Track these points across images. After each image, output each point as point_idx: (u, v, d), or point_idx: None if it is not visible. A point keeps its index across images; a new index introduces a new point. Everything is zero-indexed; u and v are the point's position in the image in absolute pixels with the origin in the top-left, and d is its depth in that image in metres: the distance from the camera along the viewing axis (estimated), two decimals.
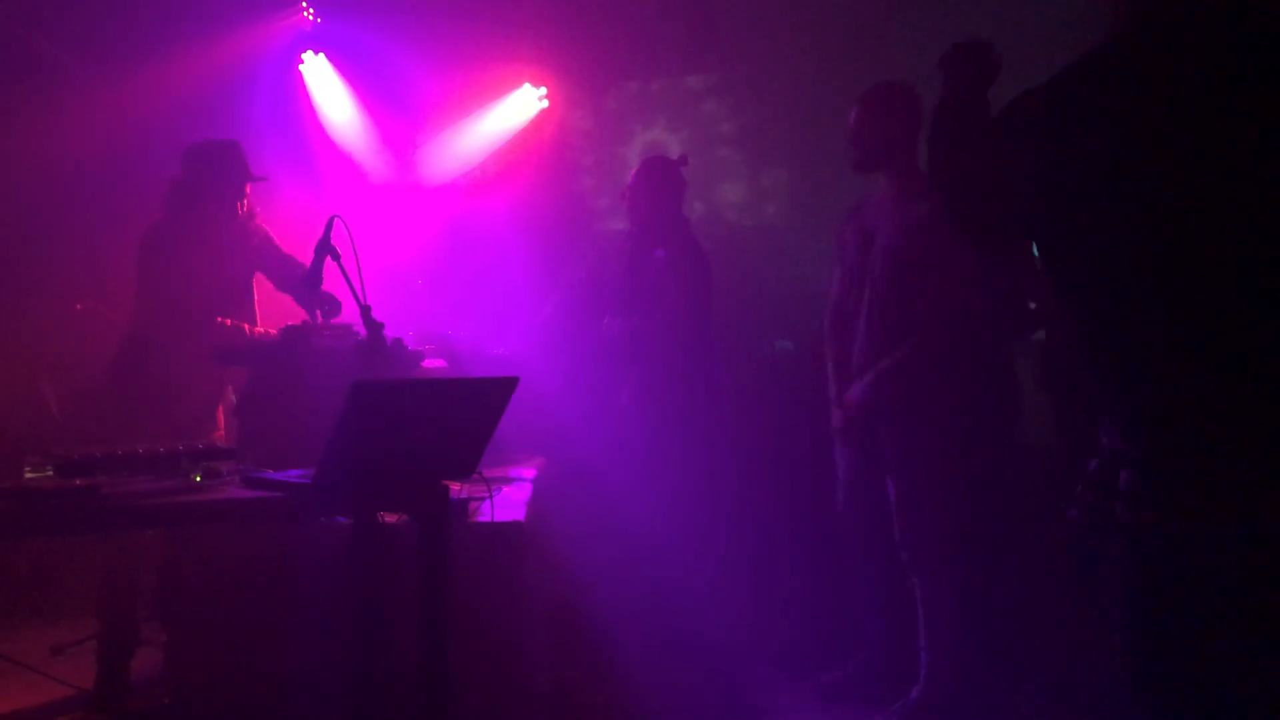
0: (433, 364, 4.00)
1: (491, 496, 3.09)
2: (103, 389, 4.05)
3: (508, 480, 3.68)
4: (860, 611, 4.00)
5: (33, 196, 4.21)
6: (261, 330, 4.16)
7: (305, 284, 3.23)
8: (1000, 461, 3.61)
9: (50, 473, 2.50)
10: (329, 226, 3.16)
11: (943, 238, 3.36)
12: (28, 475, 2.50)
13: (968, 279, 3.50)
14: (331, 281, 3.32)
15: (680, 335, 4.40)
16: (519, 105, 6.36)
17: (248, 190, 4.19)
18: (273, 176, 4.35)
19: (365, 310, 3.10)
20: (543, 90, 6.34)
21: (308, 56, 6.07)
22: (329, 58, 6.11)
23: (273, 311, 4.24)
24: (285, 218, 5.40)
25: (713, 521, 4.46)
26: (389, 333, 3.25)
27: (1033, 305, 3.74)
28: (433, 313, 5.27)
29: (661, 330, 4.39)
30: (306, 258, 3.31)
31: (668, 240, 4.48)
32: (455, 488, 2.89)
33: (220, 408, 4.21)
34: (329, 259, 3.19)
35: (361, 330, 3.15)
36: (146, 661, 4.03)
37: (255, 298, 4.29)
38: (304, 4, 6.08)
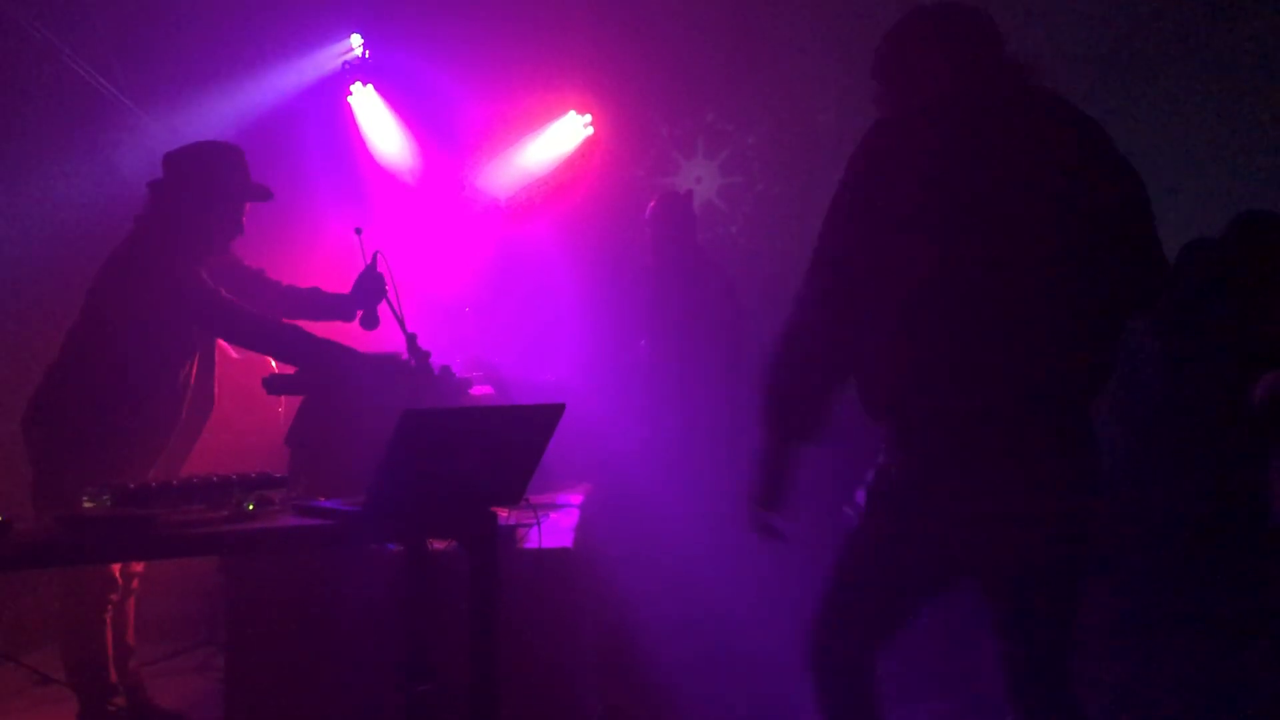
0: (480, 391, 4.02)
1: (539, 523, 3.10)
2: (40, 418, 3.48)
3: (555, 506, 3.69)
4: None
5: (92, 234, 4.26)
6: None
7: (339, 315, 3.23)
8: None
9: (108, 501, 2.54)
10: (374, 260, 3.22)
11: None
12: (85, 504, 2.54)
13: None
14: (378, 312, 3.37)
15: (723, 362, 4.44)
16: (564, 133, 6.42)
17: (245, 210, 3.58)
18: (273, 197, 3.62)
19: (411, 339, 3.14)
20: (588, 117, 6.38)
21: (356, 88, 6.16)
22: (376, 88, 6.19)
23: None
24: (334, 247, 5.48)
25: (760, 544, 4.44)
26: (436, 360, 3.29)
27: None
28: (480, 340, 5.31)
29: (704, 358, 4.43)
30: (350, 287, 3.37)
31: (696, 273, 4.61)
32: (503, 514, 2.91)
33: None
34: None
35: (410, 359, 3.19)
36: (200, 688, 4.09)
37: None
38: (354, 40, 6.17)
